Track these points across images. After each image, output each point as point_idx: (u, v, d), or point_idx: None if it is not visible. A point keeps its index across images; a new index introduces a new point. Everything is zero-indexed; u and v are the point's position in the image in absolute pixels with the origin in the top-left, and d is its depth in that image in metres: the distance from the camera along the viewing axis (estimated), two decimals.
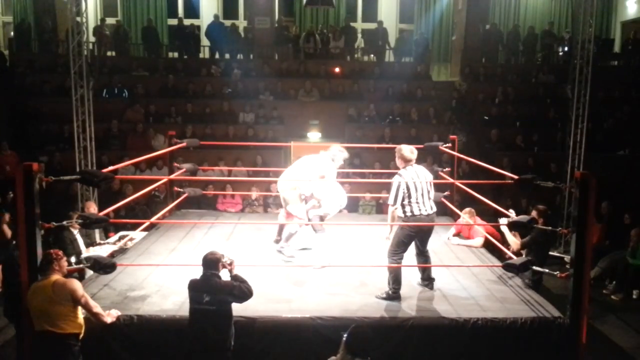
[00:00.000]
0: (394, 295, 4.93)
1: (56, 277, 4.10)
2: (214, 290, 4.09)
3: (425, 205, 5.01)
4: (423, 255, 5.25)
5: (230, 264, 4.26)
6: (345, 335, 3.46)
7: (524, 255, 5.49)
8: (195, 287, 4.15)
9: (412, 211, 4.97)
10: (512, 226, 5.42)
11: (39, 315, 4.05)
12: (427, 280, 5.25)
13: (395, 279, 4.96)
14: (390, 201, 5.02)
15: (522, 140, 11.66)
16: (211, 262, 4.18)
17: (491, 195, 8.16)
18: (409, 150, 5.09)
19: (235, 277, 4.24)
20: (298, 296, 4.95)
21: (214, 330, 4.08)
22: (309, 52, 13.99)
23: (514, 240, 6.00)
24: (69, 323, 4.05)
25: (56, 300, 4.00)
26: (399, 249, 5.01)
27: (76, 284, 4.13)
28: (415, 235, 5.04)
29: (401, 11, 16.24)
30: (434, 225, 5.31)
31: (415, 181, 4.97)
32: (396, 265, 4.97)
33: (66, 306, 4.03)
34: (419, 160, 5.27)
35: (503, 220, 5.85)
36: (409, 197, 4.95)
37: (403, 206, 4.98)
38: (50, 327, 4.01)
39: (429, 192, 5.08)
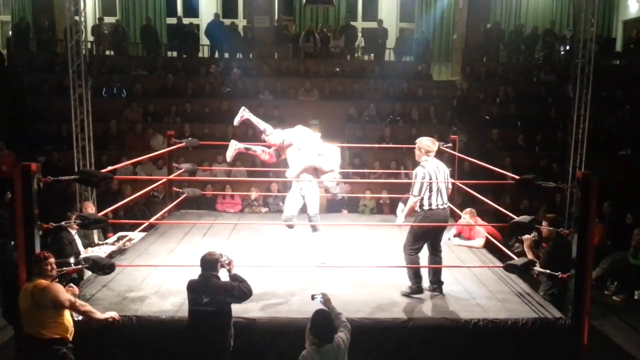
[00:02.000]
0: (417, 289, 4.96)
1: (38, 281, 3.97)
2: (213, 291, 4.05)
3: (443, 199, 5.01)
4: (435, 256, 5.19)
5: (229, 264, 4.22)
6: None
7: (548, 270, 5.28)
8: (193, 288, 4.11)
9: (429, 204, 4.95)
10: (512, 227, 5.37)
11: (25, 318, 4.00)
12: (436, 283, 5.17)
13: (415, 275, 4.99)
14: (415, 192, 4.99)
15: (523, 140, 11.61)
16: (209, 263, 4.14)
17: (492, 195, 8.14)
18: (430, 141, 5.09)
19: (234, 277, 4.20)
20: (298, 296, 4.92)
21: (213, 331, 4.05)
22: (309, 52, 13.95)
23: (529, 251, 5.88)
24: (49, 329, 3.94)
25: (34, 307, 3.91)
26: (415, 243, 5.02)
27: (57, 289, 3.98)
28: (431, 229, 5.02)
29: (402, 10, 16.20)
30: (448, 220, 5.29)
31: (436, 174, 4.97)
32: (412, 265, 4.99)
33: (45, 313, 3.93)
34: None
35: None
36: (430, 189, 4.94)
37: (422, 199, 4.96)
38: (31, 332, 3.95)
39: (446, 186, 5.08)
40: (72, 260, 6.05)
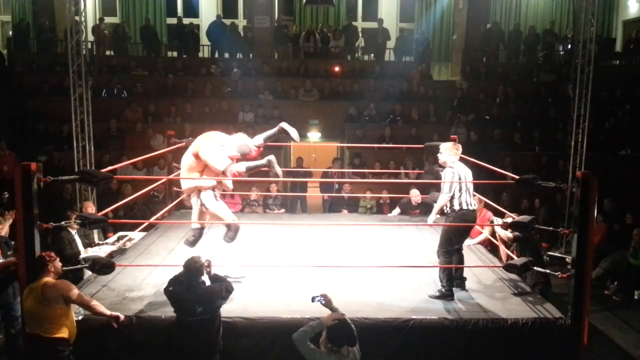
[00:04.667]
0: (448, 293, 4.95)
1: (47, 279, 4.04)
2: (206, 298, 3.98)
3: (472, 200, 5.07)
4: (457, 253, 5.20)
5: (208, 265, 4.15)
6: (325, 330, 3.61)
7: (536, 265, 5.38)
8: (183, 300, 4.00)
9: (460, 205, 4.99)
10: (513, 227, 5.36)
11: (29, 317, 4.01)
12: (459, 279, 5.21)
13: (448, 277, 4.98)
14: (445, 190, 5.02)
15: (523, 139, 11.61)
16: (196, 270, 4.04)
17: (492, 195, 8.13)
18: (454, 144, 5.22)
19: (215, 278, 4.15)
20: (297, 297, 4.91)
21: (207, 336, 4.01)
22: (309, 52, 13.96)
23: (505, 234, 5.94)
24: (57, 327, 3.98)
25: (45, 303, 3.95)
26: (449, 245, 5.04)
27: (66, 283, 4.08)
28: (463, 229, 5.06)
29: (402, 10, 16.21)
30: (475, 221, 5.33)
31: (465, 175, 5.03)
32: (445, 265, 5.00)
33: (57, 308, 3.97)
34: (420, 160, 5.25)
35: (498, 220, 5.83)
36: (460, 190, 4.99)
37: (452, 199, 5.00)
38: (38, 331, 3.96)
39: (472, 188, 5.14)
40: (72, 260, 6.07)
